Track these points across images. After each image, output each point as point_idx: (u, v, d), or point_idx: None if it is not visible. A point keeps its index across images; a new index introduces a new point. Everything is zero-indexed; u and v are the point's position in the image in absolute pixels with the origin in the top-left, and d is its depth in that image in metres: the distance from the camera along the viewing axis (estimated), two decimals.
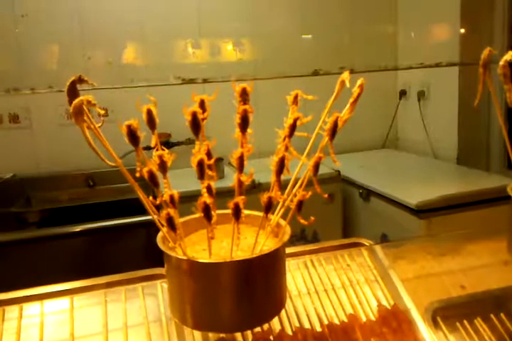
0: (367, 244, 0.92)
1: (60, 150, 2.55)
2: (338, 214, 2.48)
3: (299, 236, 2.40)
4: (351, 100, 0.61)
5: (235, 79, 2.54)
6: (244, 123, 0.56)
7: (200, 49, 2.68)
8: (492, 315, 0.79)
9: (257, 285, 0.60)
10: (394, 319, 0.77)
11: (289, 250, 0.92)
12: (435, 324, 0.77)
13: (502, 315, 0.79)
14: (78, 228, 2.07)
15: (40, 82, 2.44)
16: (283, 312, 0.79)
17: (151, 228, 0.65)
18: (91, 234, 2.09)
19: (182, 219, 0.70)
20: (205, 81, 2.55)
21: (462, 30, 2.54)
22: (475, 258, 0.90)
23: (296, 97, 0.61)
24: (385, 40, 3.07)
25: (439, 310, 0.79)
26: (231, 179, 0.63)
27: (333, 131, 0.58)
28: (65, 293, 0.80)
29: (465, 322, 0.78)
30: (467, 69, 2.56)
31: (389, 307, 0.80)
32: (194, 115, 0.54)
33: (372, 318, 0.79)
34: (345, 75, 0.64)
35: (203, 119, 0.56)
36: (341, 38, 2.93)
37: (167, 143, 2.62)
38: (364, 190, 2.36)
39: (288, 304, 0.80)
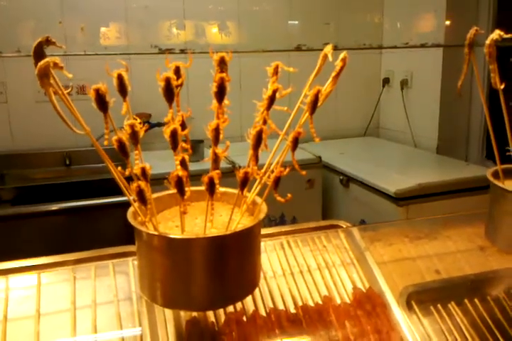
0: (344, 226, 0.91)
1: (36, 128, 2.48)
2: (318, 200, 2.48)
3: (278, 221, 2.39)
4: (334, 74, 0.59)
5: (214, 51, 2.50)
6: (220, 92, 0.53)
7: (184, 30, 2.63)
8: (466, 300, 0.79)
9: (229, 263, 0.58)
10: (368, 302, 0.77)
11: (265, 231, 0.91)
12: (409, 307, 0.76)
13: (475, 299, 0.79)
14: (54, 207, 2.03)
15: (10, 47, 2.35)
16: (257, 293, 0.77)
17: (128, 209, 0.62)
18: (66, 214, 2.05)
19: (155, 195, 0.67)
20: (182, 51, 2.48)
21: (448, 22, 2.54)
22: (451, 243, 0.89)
23: (276, 68, 0.58)
24: (371, 29, 3.05)
25: (414, 294, 0.78)
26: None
27: (314, 104, 0.56)
28: (31, 269, 0.77)
29: (439, 306, 0.77)
30: (450, 59, 2.56)
31: (364, 290, 0.79)
32: (167, 81, 0.51)
33: (347, 301, 0.78)
34: (328, 49, 0.61)
35: (178, 86, 0.53)
36: (327, 25, 2.90)
37: (147, 124, 2.58)
38: (344, 176, 2.36)
39: (262, 285, 0.79)
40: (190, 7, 2.61)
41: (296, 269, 0.83)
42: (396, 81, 2.98)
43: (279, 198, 0.60)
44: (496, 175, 0.81)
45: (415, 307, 0.77)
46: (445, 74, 2.61)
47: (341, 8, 2.93)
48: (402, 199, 1.96)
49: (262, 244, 0.87)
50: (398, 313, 0.75)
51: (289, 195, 0.59)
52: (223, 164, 2.26)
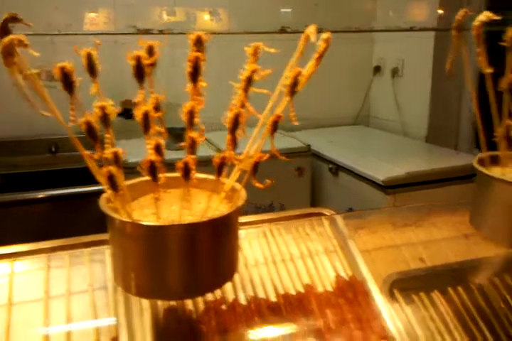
0: (328, 214, 0.89)
1: (21, 115, 2.42)
2: (307, 188, 2.47)
3: (267, 210, 2.38)
4: (316, 55, 0.57)
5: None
6: (195, 73, 0.51)
7: (175, 16, 2.58)
8: (449, 288, 0.78)
9: (205, 251, 0.56)
10: (351, 290, 0.75)
11: (248, 218, 0.89)
12: (392, 296, 0.75)
13: (459, 288, 0.79)
14: (40, 195, 2.00)
15: None
16: (238, 281, 0.76)
17: None
18: (53, 201, 2.02)
19: (131, 182, 0.65)
20: (161, 32, 2.41)
21: (440, 11, 2.51)
22: (436, 230, 0.88)
23: (256, 49, 0.56)
24: (363, 17, 3.01)
25: (397, 282, 0.77)
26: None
27: (294, 87, 0.54)
28: (5, 257, 0.74)
29: (422, 294, 0.76)
30: (442, 47, 2.54)
31: (347, 278, 0.78)
32: (138, 59, 0.48)
33: (330, 289, 0.77)
34: (311, 29, 0.59)
35: (150, 65, 0.50)
36: (320, 13, 2.86)
37: (132, 111, 2.54)
38: (333, 164, 2.34)
39: (244, 273, 0.77)
40: None
41: (279, 257, 0.81)
42: (387, 69, 2.96)
43: (257, 184, 0.58)
44: (482, 162, 0.80)
45: (398, 295, 0.76)
46: (436, 62, 2.59)
47: (334, 3, 2.88)
48: (390, 187, 1.96)
49: (245, 231, 0.85)
50: (380, 301, 0.74)
51: (268, 181, 0.57)
52: (212, 152, 2.24)
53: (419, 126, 2.73)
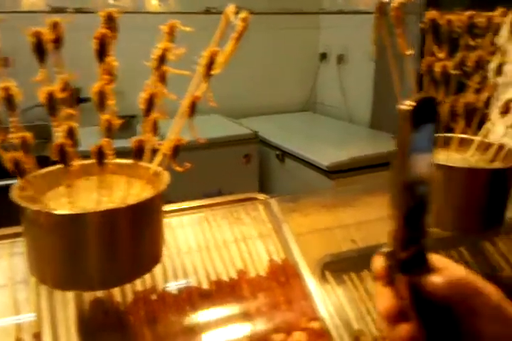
0: (262, 198, 0.89)
1: None
2: (255, 175, 2.47)
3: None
4: (235, 35, 0.55)
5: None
6: (101, 50, 0.48)
7: (119, 1, 2.48)
8: None
9: (123, 239, 0.54)
10: (283, 274, 0.76)
11: (183, 205, 0.87)
12: (323, 277, 0.76)
13: None
14: None
15: None
16: (169, 270, 0.74)
17: None
18: None
19: (48, 169, 0.62)
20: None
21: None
22: (368, 212, 0.89)
23: (171, 28, 0.54)
24: (310, 4, 3.01)
25: (329, 264, 0.78)
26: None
27: (210, 66, 0.52)
28: None
29: (352, 274, 0.78)
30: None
31: (280, 262, 0.78)
32: (37, 35, 0.45)
33: (263, 273, 0.77)
34: (231, 9, 0.57)
35: (55, 41, 0.47)
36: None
37: (77, 99, 2.43)
38: (280, 151, 2.35)
39: (176, 261, 0.76)
40: None
41: (212, 243, 0.80)
42: (333, 56, 2.99)
43: (177, 168, 0.56)
44: None
45: (329, 276, 0.77)
46: (378, 49, 2.63)
47: None
48: (334, 172, 1.99)
49: (178, 218, 0.84)
50: (312, 283, 0.74)
51: (187, 164, 0.55)
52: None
53: (363, 113, 2.78)
